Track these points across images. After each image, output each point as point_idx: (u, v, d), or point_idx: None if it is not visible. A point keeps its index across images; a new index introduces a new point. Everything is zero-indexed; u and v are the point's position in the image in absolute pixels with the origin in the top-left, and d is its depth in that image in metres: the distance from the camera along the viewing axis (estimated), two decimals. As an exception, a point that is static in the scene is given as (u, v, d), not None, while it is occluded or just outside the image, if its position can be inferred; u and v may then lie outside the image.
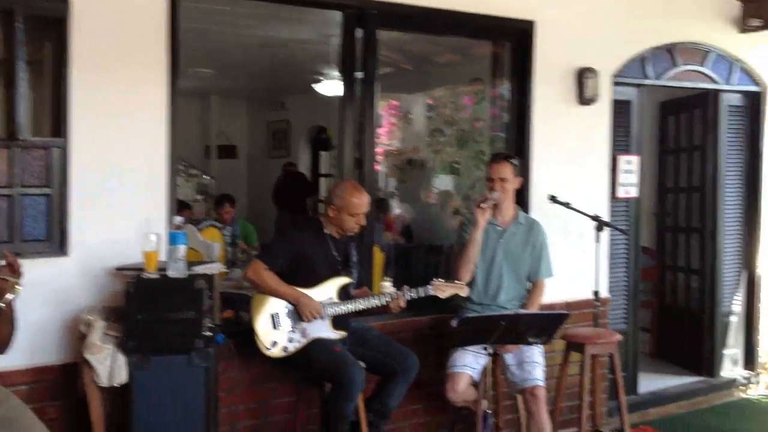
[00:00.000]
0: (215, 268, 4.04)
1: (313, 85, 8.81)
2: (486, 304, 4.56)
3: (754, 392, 6.68)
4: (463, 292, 4.34)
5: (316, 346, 4.07)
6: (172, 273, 3.67)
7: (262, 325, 4.07)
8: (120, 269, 3.86)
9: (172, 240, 3.70)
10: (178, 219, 3.87)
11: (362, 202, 4.20)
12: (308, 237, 4.20)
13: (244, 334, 4.28)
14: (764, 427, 5.79)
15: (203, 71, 8.88)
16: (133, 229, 3.96)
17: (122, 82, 4.04)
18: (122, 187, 4.07)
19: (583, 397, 4.61)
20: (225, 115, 11.73)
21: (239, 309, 5.48)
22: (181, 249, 3.70)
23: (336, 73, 7.95)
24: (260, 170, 12.07)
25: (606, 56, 5.69)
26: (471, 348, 4.33)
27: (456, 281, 4.33)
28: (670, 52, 6.13)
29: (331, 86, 8.52)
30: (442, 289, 4.25)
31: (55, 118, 3.92)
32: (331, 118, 10.23)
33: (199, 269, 3.85)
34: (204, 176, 10.71)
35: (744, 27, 6.41)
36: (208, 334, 3.67)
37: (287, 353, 4.06)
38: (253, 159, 12.29)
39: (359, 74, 4.87)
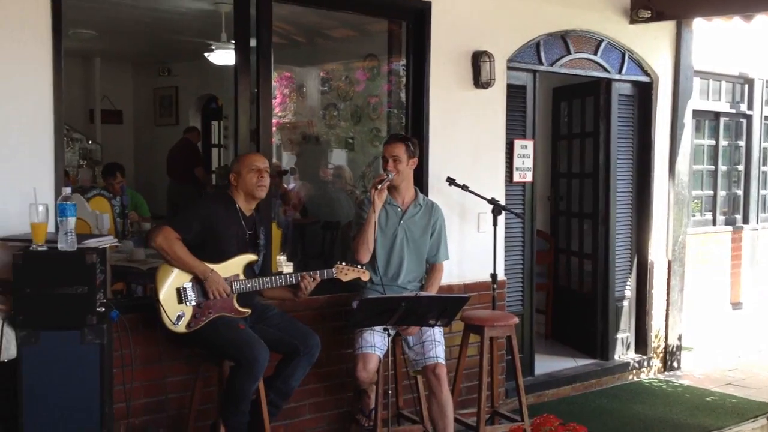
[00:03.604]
0: (107, 241, 3.86)
1: (206, 54, 8.56)
2: (386, 285, 4.54)
3: (645, 376, 6.91)
4: (365, 276, 4.37)
5: (220, 323, 3.99)
6: (62, 246, 3.49)
7: (168, 299, 3.95)
8: (5, 240, 3.65)
9: (61, 212, 3.51)
10: (67, 190, 3.67)
11: (259, 157, 4.23)
12: (220, 210, 4.13)
13: (137, 309, 4.17)
14: (655, 410, 5.98)
15: (85, 32, 8.47)
16: (18, 198, 3.74)
17: (3, 41, 3.82)
18: (6, 154, 3.86)
19: (482, 379, 4.68)
20: (109, 79, 11.24)
21: (130, 282, 5.33)
22: (71, 221, 3.52)
23: (227, 42, 7.79)
24: (147, 137, 11.69)
25: (501, 41, 5.74)
26: (377, 328, 4.32)
27: (358, 266, 4.34)
28: (563, 39, 6.25)
29: (223, 55, 8.30)
30: (344, 273, 4.27)
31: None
32: (222, 87, 10.02)
33: (91, 242, 3.67)
34: (88, 141, 10.26)
35: (633, 18, 6.57)
36: (102, 310, 3.52)
37: (191, 329, 3.97)
38: (140, 125, 11.89)
39: (253, 44, 4.75)
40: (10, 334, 3.39)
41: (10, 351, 3.40)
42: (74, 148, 9.66)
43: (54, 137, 4.01)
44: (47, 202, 3.64)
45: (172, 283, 3.97)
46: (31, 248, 3.46)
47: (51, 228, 3.66)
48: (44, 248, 3.48)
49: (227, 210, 4.14)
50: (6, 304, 3.49)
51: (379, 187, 4.46)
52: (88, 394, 3.49)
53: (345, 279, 4.28)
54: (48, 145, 3.99)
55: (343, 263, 4.28)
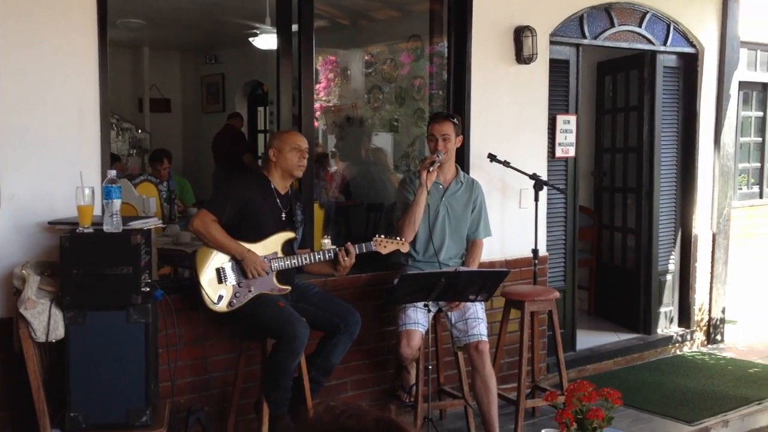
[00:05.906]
0: (152, 222, 3.94)
1: (250, 39, 8.62)
2: (428, 262, 4.57)
3: (688, 349, 6.84)
4: (404, 248, 4.35)
5: (260, 301, 4.04)
6: (107, 228, 3.55)
7: (208, 280, 4.02)
8: (53, 223, 3.74)
9: (107, 194, 3.57)
10: (112, 173, 3.75)
11: (301, 136, 4.25)
12: (254, 190, 4.17)
13: (182, 291, 4.23)
14: (697, 382, 5.93)
15: (133, 21, 8.61)
16: (66, 182, 3.84)
17: (50, 30, 3.91)
18: (54, 139, 3.96)
19: (522, 354, 4.68)
20: (157, 68, 11.38)
21: (177, 265, 5.42)
22: (116, 203, 3.57)
23: (272, 27, 7.83)
24: (195, 125, 11.83)
25: (544, 15, 5.68)
26: (419, 305, 4.34)
27: (397, 238, 4.34)
28: (607, 12, 6.15)
29: (267, 40, 8.34)
30: (383, 245, 4.26)
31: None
32: (268, 73, 10.09)
33: (136, 224, 3.74)
34: (137, 130, 10.43)
35: (680, -12, 6.46)
36: (146, 289, 3.58)
37: (232, 308, 4.03)
38: (188, 113, 12.04)
39: (295, 27, 4.77)
40: (57, 315, 3.47)
41: (58, 331, 3.48)
42: (124, 137, 9.82)
43: (100, 122, 4.08)
44: (93, 185, 3.70)
45: (211, 264, 4.03)
46: (77, 230, 3.51)
47: (97, 211, 3.71)
48: (90, 230, 3.53)
49: (261, 190, 4.18)
50: (54, 286, 3.56)
51: (431, 168, 4.47)
52: (134, 372, 3.54)
53: (384, 251, 4.27)
54: (94, 130, 4.07)
55: (382, 236, 4.28)
